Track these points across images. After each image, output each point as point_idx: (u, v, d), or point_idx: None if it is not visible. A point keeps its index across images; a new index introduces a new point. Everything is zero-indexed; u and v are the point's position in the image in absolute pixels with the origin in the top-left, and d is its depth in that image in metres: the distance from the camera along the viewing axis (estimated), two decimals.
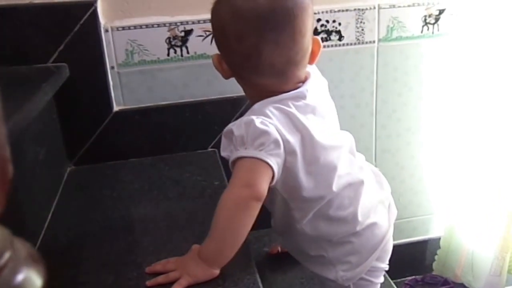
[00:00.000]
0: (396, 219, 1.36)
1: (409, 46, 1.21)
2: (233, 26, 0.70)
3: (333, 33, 1.15)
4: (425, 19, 1.19)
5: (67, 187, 0.99)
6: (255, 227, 0.70)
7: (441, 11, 1.19)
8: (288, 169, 0.71)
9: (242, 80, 0.77)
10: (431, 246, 1.44)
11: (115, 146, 1.07)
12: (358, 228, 0.78)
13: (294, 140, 0.70)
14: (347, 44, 1.17)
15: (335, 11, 1.14)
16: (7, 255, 0.30)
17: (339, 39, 1.16)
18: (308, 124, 0.72)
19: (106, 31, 1.02)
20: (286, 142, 0.69)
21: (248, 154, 0.67)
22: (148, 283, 0.67)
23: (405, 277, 1.44)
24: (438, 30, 1.21)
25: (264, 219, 0.78)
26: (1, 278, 0.29)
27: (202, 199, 0.91)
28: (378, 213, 0.81)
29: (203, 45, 1.08)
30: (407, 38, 1.20)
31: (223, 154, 0.73)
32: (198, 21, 1.05)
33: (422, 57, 1.23)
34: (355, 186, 0.78)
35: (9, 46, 0.97)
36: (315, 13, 1.12)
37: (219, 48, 0.76)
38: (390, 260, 0.86)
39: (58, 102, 1.01)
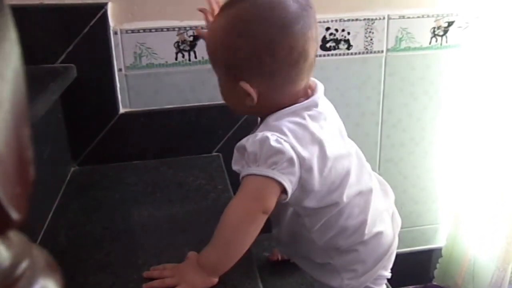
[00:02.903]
0: None
1: (417, 57, 1.21)
2: (283, 39, 0.67)
3: (342, 42, 1.16)
4: (434, 31, 1.19)
5: (70, 187, 0.99)
6: None
7: (450, 23, 1.20)
8: (302, 185, 0.70)
9: (266, 96, 0.72)
10: (432, 256, 1.44)
11: (120, 147, 1.07)
12: (366, 237, 0.77)
13: (310, 155, 0.69)
14: (355, 53, 1.17)
15: (344, 20, 1.14)
16: (24, 264, 0.29)
17: (348, 48, 1.17)
18: (322, 136, 0.71)
19: (115, 33, 1.02)
20: (302, 159, 0.68)
21: (260, 172, 0.66)
22: (144, 286, 0.67)
23: (405, 286, 1.44)
24: (446, 42, 1.21)
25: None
26: (19, 287, 0.28)
27: (206, 203, 0.91)
28: (384, 222, 0.81)
29: None
30: (415, 49, 1.20)
31: (234, 167, 0.72)
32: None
33: (429, 68, 1.23)
34: (365, 195, 0.77)
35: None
36: (324, 22, 1.13)
37: (251, 75, 0.70)
38: (391, 269, 0.85)
39: (65, 102, 1.02)
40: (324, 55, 1.16)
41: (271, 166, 0.66)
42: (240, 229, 0.67)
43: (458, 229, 1.35)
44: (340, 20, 1.14)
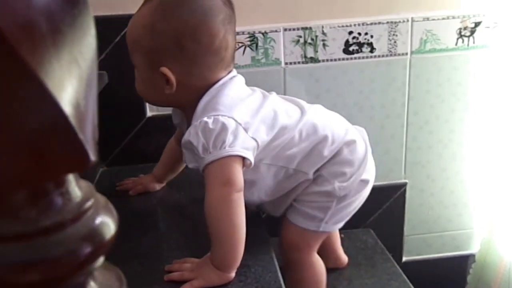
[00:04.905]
0: (425, 233, 1.36)
1: (443, 58, 1.19)
2: (206, 26, 0.70)
3: (365, 45, 1.16)
4: (460, 32, 1.18)
5: (99, 186, 1.04)
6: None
7: (477, 24, 1.18)
8: (262, 139, 0.74)
9: (190, 85, 0.74)
10: (464, 262, 1.40)
11: (147, 149, 1.12)
12: (345, 138, 0.82)
13: (246, 116, 0.72)
14: (379, 56, 1.18)
15: (367, 24, 1.15)
16: (90, 202, 0.39)
17: (371, 51, 1.17)
18: (244, 92, 0.77)
19: None
20: (244, 123, 0.71)
21: (215, 158, 0.68)
22: (165, 277, 0.70)
23: None
24: (473, 42, 1.19)
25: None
26: (85, 217, 0.38)
27: None
28: (350, 131, 0.85)
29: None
30: (441, 50, 1.19)
31: (190, 166, 0.76)
32: None
33: (456, 69, 1.21)
34: (311, 113, 0.82)
35: None
36: (347, 26, 1.15)
37: (172, 61, 0.72)
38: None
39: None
40: (347, 59, 1.17)
41: (221, 146, 0.68)
42: (224, 218, 0.68)
43: (492, 235, 1.32)
44: (363, 24, 1.15)
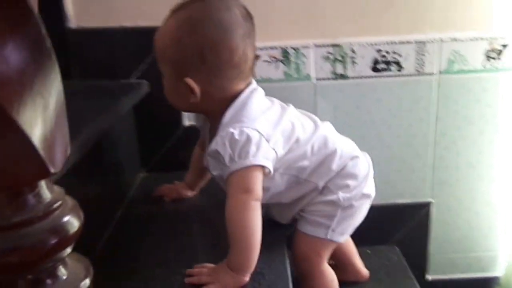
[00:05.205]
0: (450, 254, 1.35)
1: (471, 79, 1.21)
2: (227, 42, 0.74)
3: (393, 64, 1.19)
4: (488, 54, 1.20)
5: (138, 191, 1.09)
6: None
7: (505, 46, 1.20)
8: (278, 151, 0.78)
9: (212, 95, 0.78)
10: (486, 284, 1.38)
11: (184, 157, 1.15)
12: (352, 153, 0.88)
13: (268, 128, 0.77)
14: (407, 75, 1.20)
15: (395, 43, 1.18)
16: (59, 202, 0.47)
17: (399, 70, 1.20)
18: (265, 104, 0.82)
19: None
20: (266, 135, 0.75)
21: (239, 167, 0.73)
22: (185, 280, 0.75)
23: None
24: (501, 65, 1.20)
25: None
26: (54, 215, 0.47)
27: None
28: (356, 149, 0.90)
29: (269, 70, 1.17)
30: (468, 71, 1.20)
31: (214, 173, 0.80)
32: (265, 48, 1.15)
33: (485, 91, 1.22)
34: (323, 128, 0.86)
35: (101, 63, 1.11)
36: (375, 44, 1.18)
37: (195, 72, 0.76)
38: None
39: (137, 114, 1.14)
40: (375, 77, 1.20)
41: (245, 156, 0.73)
42: (242, 222, 0.73)
43: None
44: (391, 43, 1.18)
